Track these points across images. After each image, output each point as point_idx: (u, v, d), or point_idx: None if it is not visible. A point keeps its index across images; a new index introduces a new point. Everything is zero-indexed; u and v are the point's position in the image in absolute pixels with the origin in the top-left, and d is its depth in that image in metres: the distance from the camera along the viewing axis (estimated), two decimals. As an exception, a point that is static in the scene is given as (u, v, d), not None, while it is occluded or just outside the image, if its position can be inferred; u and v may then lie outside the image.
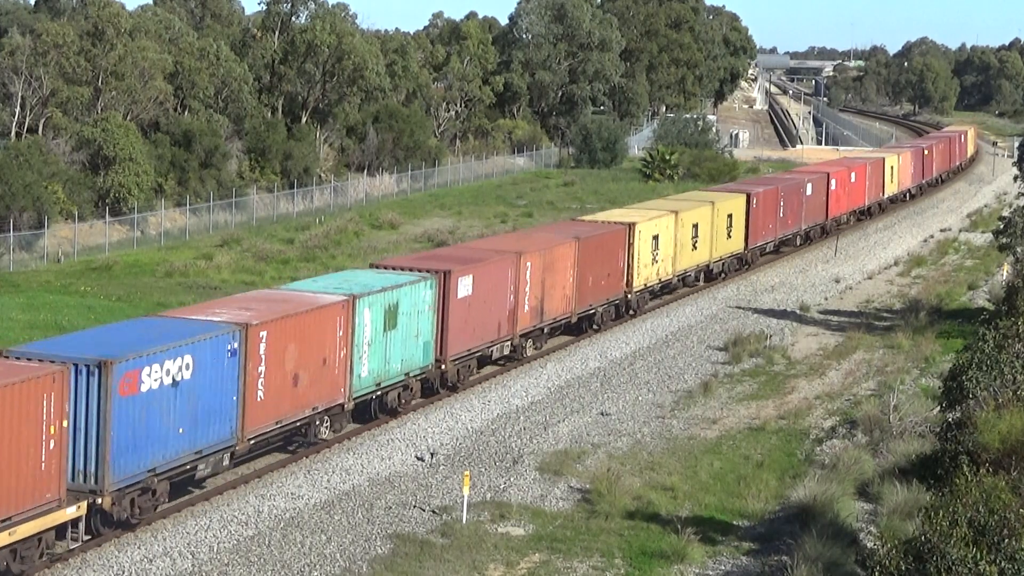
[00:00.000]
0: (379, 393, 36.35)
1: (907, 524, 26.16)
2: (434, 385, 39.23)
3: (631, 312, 52.06)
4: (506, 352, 42.97)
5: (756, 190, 64.36)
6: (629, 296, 51.21)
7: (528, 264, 43.12)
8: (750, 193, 63.12)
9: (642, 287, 52.18)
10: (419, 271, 38.69)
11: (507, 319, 42.37)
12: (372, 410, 36.52)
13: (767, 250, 67.35)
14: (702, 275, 59.00)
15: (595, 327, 49.18)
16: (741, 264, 63.31)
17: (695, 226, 56.65)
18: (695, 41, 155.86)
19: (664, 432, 37.62)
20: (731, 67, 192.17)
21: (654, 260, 52.72)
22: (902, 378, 43.31)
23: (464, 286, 39.38)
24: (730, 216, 60.61)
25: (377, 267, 39.96)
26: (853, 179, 79.70)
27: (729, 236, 60.66)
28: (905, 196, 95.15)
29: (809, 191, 71.59)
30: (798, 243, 71.30)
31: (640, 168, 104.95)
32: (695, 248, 56.90)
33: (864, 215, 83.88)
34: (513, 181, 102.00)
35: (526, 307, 43.28)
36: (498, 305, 41.68)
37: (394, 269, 39.16)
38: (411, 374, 37.58)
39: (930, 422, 34.82)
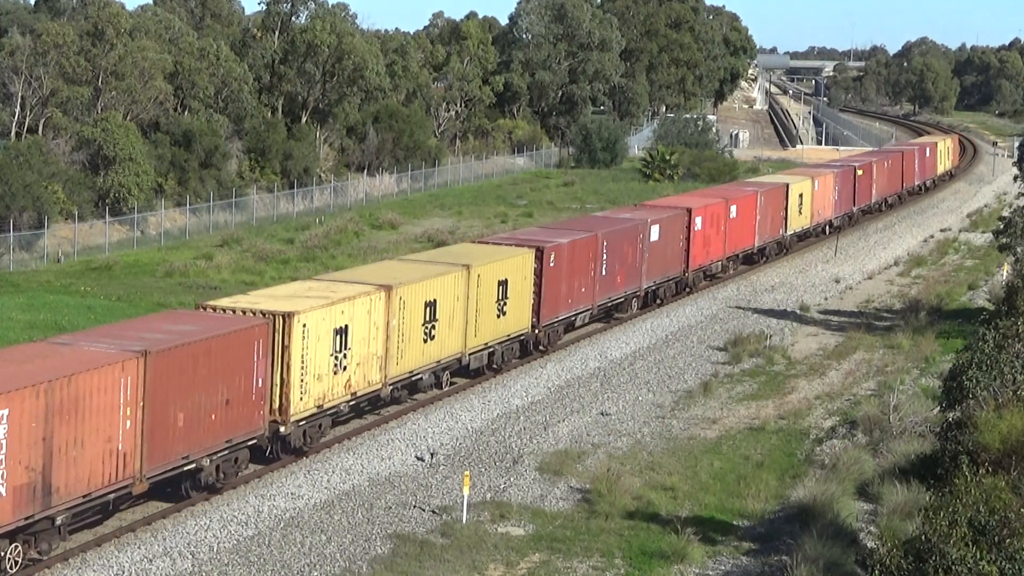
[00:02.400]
0: None
1: (907, 524, 26.17)
2: None
3: (290, 450, 33.56)
4: None
5: (556, 242, 45.50)
6: (283, 429, 32.50)
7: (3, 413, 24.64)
8: (543, 247, 44.29)
9: (313, 411, 33.41)
10: None
11: None
12: None
13: (579, 323, 48.32)
14: (447, 375, 39.91)
15: (203, 487, 30.86)
16: (527, 349, 44.59)
17: (430, 305, 37.95)
18: (695, 41, 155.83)
19: (664, 432, 37.62)
20: (731, 67, 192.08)
21: (339, 367, 34.17)
22: (902, 378, 43.32)
23: None
24: (503, 283, 41.85)
25: None
26: (734, 214, 61.04)
27: (502, 313, 42.01)
28: (824, 229, 75.93)
29: (655, 236, 53.15)
30: (635, 308, 52.83)
31: (640, 168, 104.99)
32: (431, 339, 38.12)
33: (757, 257, 65.94)
34: (513, 181, 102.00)
35: (2, 489, 24.85)
36: None
37: None
38: None
39: (930, 422, 34.83)
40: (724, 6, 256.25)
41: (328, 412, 34.38)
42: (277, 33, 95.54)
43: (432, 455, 34.66)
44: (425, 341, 38.04)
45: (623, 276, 50.81)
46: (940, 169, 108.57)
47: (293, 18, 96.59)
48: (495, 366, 42.58)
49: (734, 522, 30.38)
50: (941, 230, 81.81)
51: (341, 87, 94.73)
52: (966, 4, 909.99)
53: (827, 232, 76.09)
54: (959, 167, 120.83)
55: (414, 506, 30.83)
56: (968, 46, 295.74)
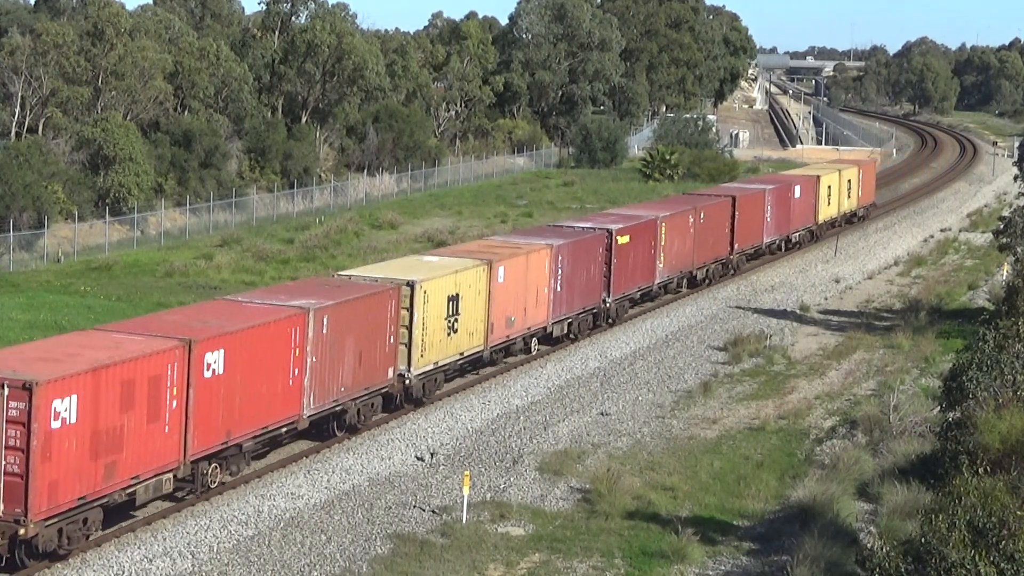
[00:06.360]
0: None
1: (907, 524, 26.19)
2: None
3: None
4: None
5: None
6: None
7: None
8: None
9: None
10: None
11: None
12: None
13: None
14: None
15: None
16: None
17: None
18: (695, 41, 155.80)
19: (664, 432, 37.62)
20: (731, 67, 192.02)
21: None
22: (902, 378, 43.31)
23: None
24: None
25: None
26: (216, 371, 30.22)
27: None
28: (526, 342, 44.60)
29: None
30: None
31: (640, 168, 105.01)
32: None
33: (323, 431, 35.21)
34: (513, 181, 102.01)
35: None
36: None
37: None
38: None
39: (930, 422, 34.84)
40: (724, 6, 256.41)
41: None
42: (277, 33, 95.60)
43: (432, 455, 34.66)
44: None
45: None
46: (825, 214, 74.52)
47: (293, 18, 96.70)
48: None
49: (734, 522, 30.38)
50: (941, 230, 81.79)
51: (341, 87, 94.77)
52: (966, 4, 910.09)
53: (533, 351, 45.33)
54: (873, 206, 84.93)
55: (414, 506, 30.83)
56: (968, 46, 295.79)
